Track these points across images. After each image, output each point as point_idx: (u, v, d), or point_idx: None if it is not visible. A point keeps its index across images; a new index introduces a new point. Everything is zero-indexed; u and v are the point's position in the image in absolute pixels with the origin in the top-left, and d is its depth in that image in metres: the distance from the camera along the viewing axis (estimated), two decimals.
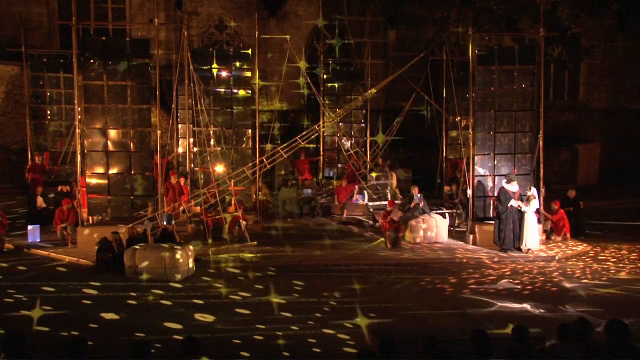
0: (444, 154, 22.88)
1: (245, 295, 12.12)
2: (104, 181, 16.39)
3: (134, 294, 12.08)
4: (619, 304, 11.73)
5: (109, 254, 13.78)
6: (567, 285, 12.99)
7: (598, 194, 23.99)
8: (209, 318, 10.81)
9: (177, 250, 13.18)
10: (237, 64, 19.37)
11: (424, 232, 16.53)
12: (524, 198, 15.40)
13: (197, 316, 10.89)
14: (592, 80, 31.01)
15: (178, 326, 10.38)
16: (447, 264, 14.62)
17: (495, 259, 14.94)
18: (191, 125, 19.79)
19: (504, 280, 13.24)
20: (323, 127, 20.68)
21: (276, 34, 28.14)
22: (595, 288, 12.74)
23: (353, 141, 24.59)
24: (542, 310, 11.25)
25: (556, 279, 13.37)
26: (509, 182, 15.56)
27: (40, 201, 18.22)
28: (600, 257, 15.38)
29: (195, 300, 11.79)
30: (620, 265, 14.67)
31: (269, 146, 18.04)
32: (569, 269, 14.22)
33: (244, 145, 19.36)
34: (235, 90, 19.30)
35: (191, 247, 13.77)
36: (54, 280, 12.94)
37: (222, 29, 29.61)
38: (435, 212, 17.65)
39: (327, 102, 23.05)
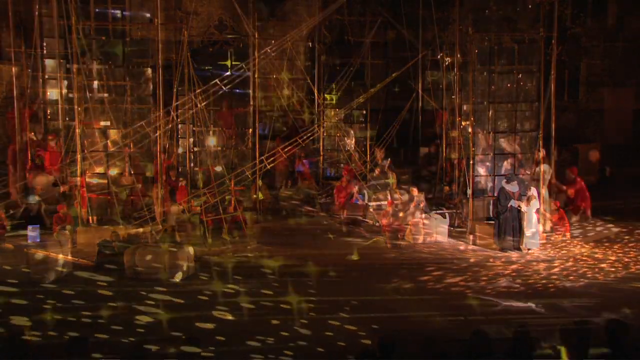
0: (444, 154, 22.83)
1: (246, 293, 12.13)
2: (104, 181, 16.39)
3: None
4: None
5: (109, 254, 13.77)
6: (574, 285, 13.00)
7: (598, 194, 23.92)
8: (228, 316, 10.91)
9: (177, 250, 13.17)
10: (237, 63, 19.36)
11: (423, 232, 16.52)
12: (523, 198, 15.39)
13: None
14: (592, 80, 30.96)
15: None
16: (448, 264, 14.61)
17: (498, 259, 14.93)
18: (191, 125, 19.77)
19: (508, 280, 13.25)
20: (323, 127, 20.65)
21: (276, 34, 28.09)
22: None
23: (353, 141, 24.53)
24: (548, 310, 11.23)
25: (560, 279, 13.36)
26: (508, 182, 15.56)
27: (37, 189, 18.18)
28: (598, 256, 15.28)
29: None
30: (623, 262, 14.66)
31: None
32: (574, 268, 14.18)
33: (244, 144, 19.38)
34: (235, 90, 19.29)
35: (191, 247, 13.77)
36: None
37: (222, 29, 29.54)
38: (435, 212, 17.65)
39: (327, 101, 23.02)
